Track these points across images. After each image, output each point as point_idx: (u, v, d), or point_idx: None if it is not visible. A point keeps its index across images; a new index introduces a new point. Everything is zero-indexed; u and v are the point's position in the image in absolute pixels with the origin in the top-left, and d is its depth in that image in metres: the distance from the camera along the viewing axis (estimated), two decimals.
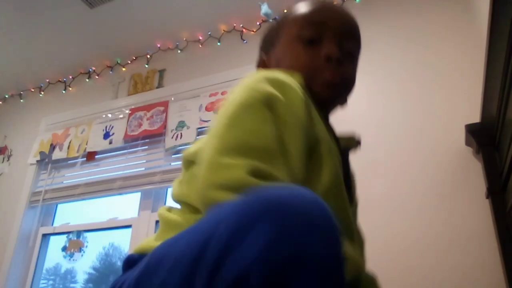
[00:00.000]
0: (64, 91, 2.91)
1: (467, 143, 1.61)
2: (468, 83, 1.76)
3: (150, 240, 0.64)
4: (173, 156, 2.29)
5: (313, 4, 0.79)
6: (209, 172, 0.52)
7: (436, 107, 1.79)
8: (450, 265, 1.52)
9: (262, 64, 0.84)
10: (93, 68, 2.84)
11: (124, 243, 2.43)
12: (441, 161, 1.69)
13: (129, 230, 2.28)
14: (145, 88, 2.59)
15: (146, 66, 2.65)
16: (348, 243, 0.57)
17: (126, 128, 2.46)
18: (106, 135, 2.51)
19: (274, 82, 0.62)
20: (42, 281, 2.48)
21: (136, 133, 2.41)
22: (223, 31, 2.46)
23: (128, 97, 2.62)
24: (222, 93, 2.26)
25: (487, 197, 1.44)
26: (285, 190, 0.40)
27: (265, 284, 0.33)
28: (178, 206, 0.70)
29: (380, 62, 1.98)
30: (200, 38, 2.52)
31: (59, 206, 2.65)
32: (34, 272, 2.44)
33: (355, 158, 1.81)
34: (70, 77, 2.90)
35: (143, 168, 2.36)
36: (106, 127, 2.55)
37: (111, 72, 2.79)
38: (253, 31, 2.37)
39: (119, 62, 2.76)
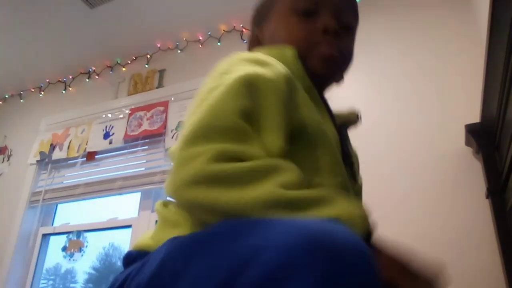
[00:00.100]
0: (64, 91, 2.91)
1: (467, 143, 1.61)
2: (468, 83, 1.76)
3: (148, 236, 0.62)
4: None
5: None
6: (176, 169, 0.50)
7: (436, 107, 1.79)
8: (450, 265, 1.51)
9: (255, 39, 0.79)
10: (93, 68, 2.84)
11: (124, 243, 2.43)
12: (441, 161, 1.69)
13: (129, 230, 2.28)
14: (145, 88, 2.59)
15: (146, 66, 2.65)
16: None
17: (126, 128, 2.45)
18: (106, 135, 2.51)
19: (252, 61, 0.59)
20: (42, 281, 2.48)
21: (136, 133, 2.41)
22: (223, 31, 2.46)
23: (128, 97, 2.62)
24: None
25: (487, 197, 1.44)
26: (327, 226, 0.39)
27: None
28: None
29: (380, 62, 1.98)
30: (200, 38, 2.52)
31: (59, 206, 2.65)
32: (34, 272, 2.44)
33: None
34: (70, 77, 2.90)
35: (143, 168, 2.37)
36: (106, 127, 2.55)
37: (111, 72, 2.79)
38: None
39: (119, 62, 2.76)
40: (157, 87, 2.56)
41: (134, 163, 2.39)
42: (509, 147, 1.16)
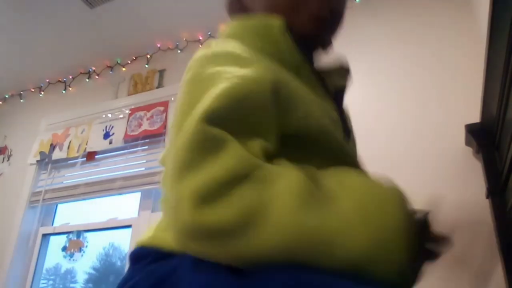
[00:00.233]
0: (64, 91, 2.91)
1: (467, 143, 1.61)
2: (468, 83, 1.76)
3: (159, 230, 0.57)
4: None
5: None
6: (169, 214, 0.44)
7: (436, 107, 1.79)
8: (450, 265, 1.51)
9: (235, 4, 0.72)
10: (93, 68, 2.84)
11: (124, 243, 2.43)
12: (441, 161, 1.69)
13: (129, 230, 2.28)
14: (145, 88, 2.59)
15: (146, 66, 2.65)
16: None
17: (126, 128, 2.46)
18: (106, 135, 2.51)
19: (230, 58, 0.53)
20: (42, 281, 2.48)
21: (136, 133, 2.41)
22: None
23: (128, 97, 2.62)
24: None
25: (487, 197, 1.44)
26: None
27: None
28: None
29: (380, 62, 1.98)
30: (200, 38, 2.52)
31: (59, 206, 2.65)
32: (34, 272, 2.44)
33: None
34: (70, 77, 2.90)
35: (143, 168, 2.37)
36: (106, 127, 2.55)
37: (111, 72, 2.79)
38: None
39: (119, 62, 2.76)
40: (157, 87, 2.56)
41: (134, 163, 2.40)
42: (509, 147, 1.16)
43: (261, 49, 0.59)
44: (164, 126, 2.33)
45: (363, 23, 2.09)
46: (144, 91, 2.58)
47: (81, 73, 2.87)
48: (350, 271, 0.41)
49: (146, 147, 2.41)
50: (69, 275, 2.56)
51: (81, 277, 2.50)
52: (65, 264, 2.46)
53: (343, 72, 0.73)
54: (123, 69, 2.73)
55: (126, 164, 2.41)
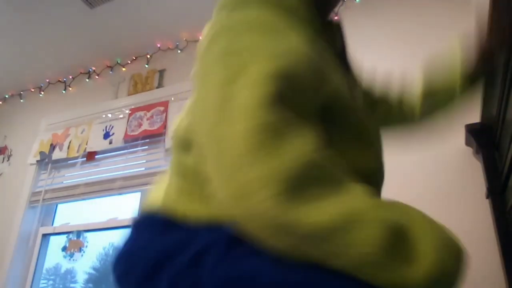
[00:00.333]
0: (64, 91, 2.91)
1: (467, 143, 1.61)
2: None
3: (170, 196, 0.56)
4: None
5: None
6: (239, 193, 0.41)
7: None
8: None
9: None
10: (93, 68, 2.84)
11: None
12: (441, 161, 1.69)
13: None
14: (145, 88, 2.59)
15: (146, 66, 2.65)
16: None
17: (126, 128, 2.46)
18: (106, 135, 2.51)
19: (260, 27, 0.50)
20: (42, 281, 2.48)
21: (136, 133, 2.41)
22: None
23: (128, 97, 2.62)
24: None
25: (487, 197, 1.44)
26: None
27: None
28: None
29: (380, 62, 1.98)
30: (200, 38, 2.51)
31: (59, 206, 2.65)
32: (34, 272, 2.44)
33: None
34: (70, 77, 2.90)
35: (143, 168, 2.37)
36: (106, 127, 2.55)
37: (111, 72, 2.79)
38: None
39: (119, 62, 2.76)
40: (157, 87, 2.56)
41: (134, 163, 2.39)
42: (509, 147, 1.16)
43: (284, 15, 0.55)
44: (164, 126, 2.33)
45: (363, 23, 2.09)
46: (144, 91, 2.58)
47: (81, 73, 2.87)
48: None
49: (146, 147, 2.41)
50: (69, 275, 2.56)
51: (81, 277, 2.50)
52: (65, 264, 2.46)
53: (336, 30, 0.70)
54: (123, 69, 2.73)
55: (126, 164, 2.41)
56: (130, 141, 2.44)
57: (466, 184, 1.61)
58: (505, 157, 1.23)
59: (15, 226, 2.53)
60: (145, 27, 2.51)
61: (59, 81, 2.94)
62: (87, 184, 2.47)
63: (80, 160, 2.57)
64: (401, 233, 0.42)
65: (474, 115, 1.58)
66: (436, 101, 0.81)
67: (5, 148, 2.96)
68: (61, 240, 2.43)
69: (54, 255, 2.49)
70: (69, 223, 2.51)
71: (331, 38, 0.66)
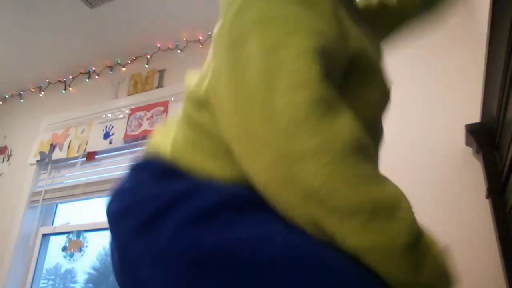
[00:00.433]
0: (64, 91, 2.91)
1: (467, 143, 1.61)
2: (468, 83, 1.76)
3: (179, 143, 0.55)
4: None
5: None
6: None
7: (436, 107, 1.79)
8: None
9: None
10: (93, 68, 2.84)
11: None
12: (441, 161, 1.69)
13: None
14: (145, 88, 2.59)
15: (146, 66, 2.65)
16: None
17: (126, 128, 2.46)
18: (106, 135, 2.51)
19: None
20: (42, 281, 2.48)
21: (136, 133, 2.41)
22: None
23: (128, 97, 2.62)
24: None
25: (487, 197, 1.44)
26: None
27: None
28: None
29: None
30: (200, 38, 2.52)
31: (59, 206, 2.65)
32: (34, 272, 2.44)
33: None
34: (70, 77, 2.90)
35: None
36: (106, 127, 2.55)
37: (111, 72, 2.79)
38: None
39: (119, 62, 2.76)
40: (157, 87, 2.56)
41: None
42: (509, 147, 1.16)
43: None
44: None
45: None
46: (144, 91, 2.58)
47: (81, 73, 2.87)
48: None
49: None
50: (69, 275, 2.56)
51: (81, 277, 2.50)
52: (65, 264, 2.46)
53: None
54: (123, 69, 2.73)
55: (126, 164, 2.40)
56: (130, 141, 2.44)
57: (466, 184, 1.61)
58: (505, 157, 1.23)
59: (15, 226, 2.53)
60: (145, 27, 2.51)
61: (59, 81, 2.94)
62: (87, 184, 2.47)
63: (80, 160, 2.57)
64: (420, 242, 0.44)
65: (474, 115, 1.58)
66: None
67: (5, 148, 2.96)
68: (61, 240, 2.43)
69: (54, 255, 2.49)
70: (69, 223, 2.51)
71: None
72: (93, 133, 2.56)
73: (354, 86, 0.55)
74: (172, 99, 2.41)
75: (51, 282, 2.56)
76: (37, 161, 2.69)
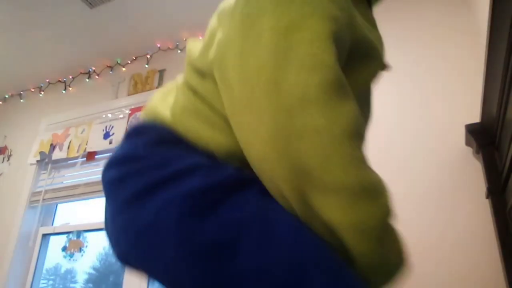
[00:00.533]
0: (64, 91, 2.91)
1: (467, 143, 1.61)
2: (468, 83, 1.76)
3: (178, 108, 0.57)
4: None
5: None
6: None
7: (436, 107, 1.79)
8: (450, 265, 1.51)
9: None
10: (93, 68, 2.84)
11: None
12: (441, 161, 1.69)
13: None
14: (145, 88, 2.59)
15: (146, 66, 2.65)
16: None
17: (126, 128, 2.45)
18: (106, 135, 2.51)
19: None
20: (42, 281, 2.48)
21: None
22: None
23: (128, 97, 2.62)
24: None
25: (487, 197, 1.44)
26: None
27: None
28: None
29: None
30: (200, 38, 2.51)
31: (59, 206, 2.65)
32: (34, 272, 2.44)
33: None
34: (70, 77, 2.90)
35: None
36: (106, 127, 2.55)
37: (111, 72, 2.79)
38: None
39: (119, 62, 2.76)
40: (157, 87, 2.56)
41: None
42: (509, 147, 1.16)
43: None
44: None
45: None
46: (144, 91, 2.58)
47: (81, 73, 2.87)
48: None
49: None
50: (69, 275, 2.56)
51: (81, 277, 2.50)
52: (65, 264, 2.46)
53: None
54: (123, 69, 2.73)
55: None
56: None
57: (466, 184, 1.61)
58: (505, 157, 1.23)
59: (15, 226, 2.53)
60: (145, 27, 2.51)
61: (59, 81, 2.94)
62: (87, 184, 2.47)
63: (80, 160, 2.57)
64: (391, 226, 0.49)
65: (474, 115, 1.59)
66: None
67: (5, 148, 2.96)
68: (61, 240, 2.43)
69: (54, 255, 2.49)
70: (69, 223, 2.51)
71: None
72: (93, 133, 2.56)
73: (352, 70, 0.56)
74: None
75: (51, 282, 2.56)
76: (37, 161, 2.69)
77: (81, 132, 2.62)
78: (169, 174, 0.49)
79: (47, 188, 2.59)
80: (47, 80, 2.97)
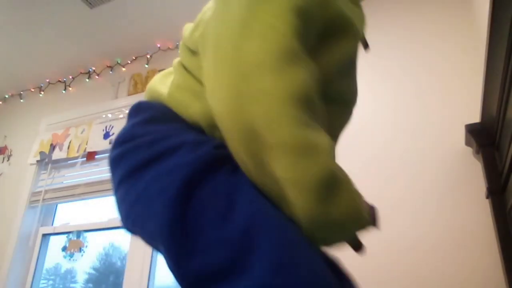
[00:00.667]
0: (64, 91, 2.91)
1: (467, 143, 1.61)
2: (468, 83, 1.76)
3: (174, 86, 0.63)
4: None
5: None
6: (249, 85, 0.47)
7: (436, 107, 1.79)
8: (450, 265, 1.51)
9: None
10: (93, 68, 2.84)
11: (124, 243, 2.43)
12: (441, 161, 1.69)
13: None
14: (145, 88, 2.59)
15: (146, 66, 2.65)
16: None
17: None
18: (106, 135, 2.51)
19: None
20: (42, 281, 2.48)
21: None
22: None
23: (128, 97, 2.62)
24: None
25: (487, 197, 1.44)
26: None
27: None
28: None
29: (380, 62, 1.98)
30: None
31: (59, 206, 2.65)
32: (34, 272, 2.44)
33: (353, 158, 1.80)
34: (70, 77, 2.90)
35: None
36: (106, 127, 2.55)
37: (111, 72, 2.79)
38: None
39: (119, 62, 2.76)
40: None
41: None
42: (509, 147, 1.16)
43: None
44: None
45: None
46: (144, 91, 2.58)
47: (81, 73, 2.87)
48: None
49: None
50: (69, 275, 2.56)
51: (81, 277, 2.50)
52: (65, 264, 2.46)
53: None
54: (123, 69, 2.73)
55: None
56: None
57: (466, 184, 1.61)
58: (505, 157, 1.23)
59: (15, 226, 2.53)
60: (145, 27, 2.51)
61: (59, 81, 2.94)
62: (87, 184, 2.47)
63: (80, 160, 2.57)
64: (335, 185, 0.50)
65: (474, 115, 1.59)
66: None
67: (5, 148, 2.96)
68: (61, 240, 2.43)
69: (54, 255, 2.49)
70: (69, 223, 2.51)
71: None
72: (93, 133, 2.56)
73: (329, 44, 0.59)
74: None
75: (51, 282, 2.56)
76: (37, 161, 2.69)
77: (81, 132, 2.62)
78: (156, 153, 0.55)
79: (47, 188, 2.59)
80: (47, 80, 2.97)
